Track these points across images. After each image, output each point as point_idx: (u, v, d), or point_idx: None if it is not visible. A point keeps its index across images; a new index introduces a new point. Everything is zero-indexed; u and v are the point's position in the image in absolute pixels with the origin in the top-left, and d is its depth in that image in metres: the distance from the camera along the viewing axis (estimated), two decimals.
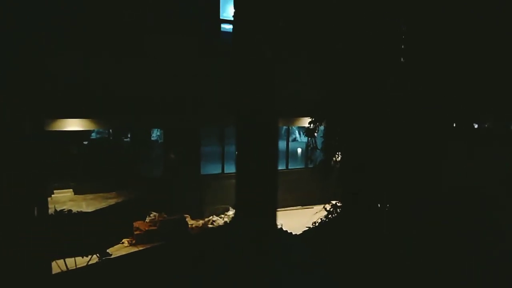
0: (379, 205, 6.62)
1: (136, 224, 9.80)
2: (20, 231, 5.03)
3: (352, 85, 6.49)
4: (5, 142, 4.87)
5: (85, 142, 11.61)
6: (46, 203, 5.69)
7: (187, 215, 10.90)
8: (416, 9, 6.26)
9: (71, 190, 10.22)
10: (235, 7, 5.06)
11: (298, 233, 7.09)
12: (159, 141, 13.67)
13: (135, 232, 9.69)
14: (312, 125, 7.12)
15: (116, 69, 10.00)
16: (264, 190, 4.19)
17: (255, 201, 4.21)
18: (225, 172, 12.19)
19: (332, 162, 7.04)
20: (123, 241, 9.65)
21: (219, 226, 10.55)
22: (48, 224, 6.31)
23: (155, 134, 14.49)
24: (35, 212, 5.62)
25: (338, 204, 6.89)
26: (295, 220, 8.28)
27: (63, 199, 9.71)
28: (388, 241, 6.01)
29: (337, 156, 7.06)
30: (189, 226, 10.46)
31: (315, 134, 7.21)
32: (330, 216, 6.85)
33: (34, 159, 5.19)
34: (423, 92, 6.25)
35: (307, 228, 7.06)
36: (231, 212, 11.47)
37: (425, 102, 6.23)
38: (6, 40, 4.79)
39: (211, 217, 11.35)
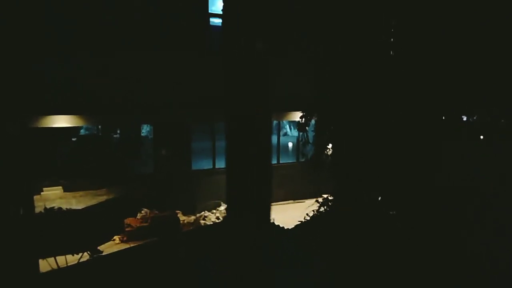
0: (369, 198, 6.66)
1: (127, 221, 9.72)
2: (3, 231, 4.95)
3: (342, 78, 6.49)
4: None
5: (74, 139, 11.48)
6: (32, 201, 5.60)
7: (179, 211, 10.85)
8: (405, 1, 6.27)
9: (61, 187, 10.09)
10: (224, 1, 5.00)
11: (290, 227, 7.10)
12: (149, 137, 13.57)
13: (126, 229, 9.61)
14: (303, 119, 7.12)
15: (104, 67, 9.88)
16: (258, 186, 4.18)
17: (247, 198, 4.21)
18: (216, 167, 12.15)
19: (324, 156, 7.06)
20: (114, 238, 9.57)
21: (212, 224, 10.51)
22: (35, 222, 6.23)
23: (145, 130, 14.37)
24: (21, 211, 5.53)
25: (330, 198, 6.92)
26: (287, 214, 8.30)
27: (53, 197, 9.59)
28: (379, 234, 6.05)
29: (328, 149, 7.07)
30: (181, 222, 10.41)
31: (307, 128, 7.22)
32: (321, 209, 6.88)
33: (18, 158, 5.10)
34: (414, 84, 6.28)
35: (299, 222, 7.08)
36: (222, 208, 11.44)
37: (417, 94, 6.26)
38: None
39: (203, 212, 11.31)
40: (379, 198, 6.72)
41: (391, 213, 6.51)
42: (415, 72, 6.27)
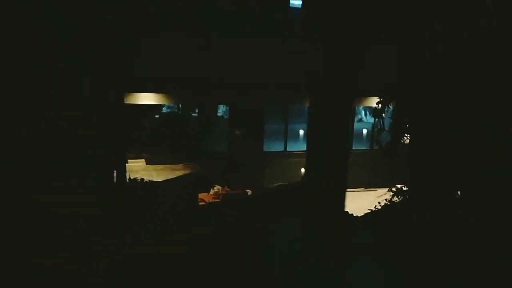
0: (448, 193, 6.31)
1: (200, 195, 10.23)
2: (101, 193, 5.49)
3: (431, 67, 6.08)
4: (95, 110, 5.33)
5: (157, 116, 12.25)
6: (124, 167, 6.17)
7: (249, 190, 11.17)
8: None
9: (143, 160, 10.91)
10: None
11: (359, 215, 7.00)
12: (225, 117, 14.01)
13: (200, 203, 10.13)
14: (380, 105, 6.89)
15: (190, 51, 10.31)
16: (335, 170, 4.23)
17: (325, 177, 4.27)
18: (287, 150, 12.25)
19: (400, 145, 6.80)
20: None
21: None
22: (125, 189, 6.80)
23: (221, 110, 14.85)
24: (114, 176, 6.08)
25: (404, 188, 6.67)
26: (357, 202, 8.14)
27: (136, 168, 10.41)
28: (455, 231, 5.73)
29: (405, 138, 6.79)
30: None
31: (383, 115, 6.98)
32: (395, 200, 6.68)
33: (117, 126, 5.63)
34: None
35: (369, 211, 6.95)
36: None
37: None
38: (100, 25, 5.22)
39: None
40: (458, 193, 6.35)
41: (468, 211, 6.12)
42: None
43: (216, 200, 10.25)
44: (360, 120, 18.72)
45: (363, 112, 19.35)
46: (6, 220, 4.46)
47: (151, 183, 9.49)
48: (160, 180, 9.68)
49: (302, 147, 11.30)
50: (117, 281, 4.15)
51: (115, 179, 5.89)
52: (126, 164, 10.49)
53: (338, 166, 4.20)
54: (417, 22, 6.14)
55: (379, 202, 6.82)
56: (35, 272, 3.90)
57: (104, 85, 5.42)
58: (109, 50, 5.52)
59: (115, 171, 5.80)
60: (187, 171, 10.49)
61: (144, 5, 9.83)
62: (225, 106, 13.98)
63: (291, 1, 11.54)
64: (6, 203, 4.57)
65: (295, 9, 11.58)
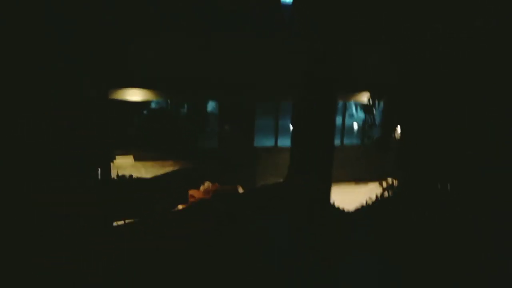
0: (438, 186, 6.29)
1: (190, 192, 10.13)
2: (84, 191, 5.40)
3: (427, 67, 6.04)
4: (80, 108, 5.25)
5: (145, 112, 12.10)
6: (109, 165, 6.07)
7: (239, 186, 11.08)
8: None
9: (132, 156, 10.76)
10: None
11: (350, 210, 6.96)
12: (214, 113, 13.89)
13: (190, 200, 10.03)
14: (371, 100, 6.86)
15: (179, 50, 10.19)
16: (320, 167, 4.17)
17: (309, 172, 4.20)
18: (278, 145, 12.18)
19: (390, 139, 6.79)
20: (178, 208, 10.05)
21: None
22: (110, 186, 6.70)
23: (211, 106, 14.72)
24: (99, 174, 6.00)
25: (394, 182, 6.65)
26: (348, 196, 8.13)
27: (124, 165, 10.27)
28: (444, 223, 5.72)
29: (395, 133, 6.79)
30: None
31: (374, 110, 6.96)
32: (385, 193, 6.65)
33: (99, 124, 5.54)
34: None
35: (360, 206, 6.91)
36: None
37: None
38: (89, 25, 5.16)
39: None
40: (448, 186, 6.33)
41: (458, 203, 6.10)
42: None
43: (206, 196, 10.14)
44: (351, 115, 18.76)
45: (353, 107, 19.39)
46: (6, 220, 4.41)
47: (140, 179, 9.39)
48: (148, 176, 9.56)
49: None
50: (117, 278, 4.10)
51: (99, 176, 5.80)
52: (114, 161, 10.40)
53: (323, 163, 4.15)
54: (417, 22, 6.10)
55: (370, 198, 6.78)
56: (35, 272, 3.85)
57: (104, 85, 5.38)
58: (108, 50, 5.50)
59: (99, 168, 5.71)
60: (176, 168, 10.37)
61: (144, 5, 9.71)
62: (215, 101, 13.86)
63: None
64: (6, 203, 4.52)
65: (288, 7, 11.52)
